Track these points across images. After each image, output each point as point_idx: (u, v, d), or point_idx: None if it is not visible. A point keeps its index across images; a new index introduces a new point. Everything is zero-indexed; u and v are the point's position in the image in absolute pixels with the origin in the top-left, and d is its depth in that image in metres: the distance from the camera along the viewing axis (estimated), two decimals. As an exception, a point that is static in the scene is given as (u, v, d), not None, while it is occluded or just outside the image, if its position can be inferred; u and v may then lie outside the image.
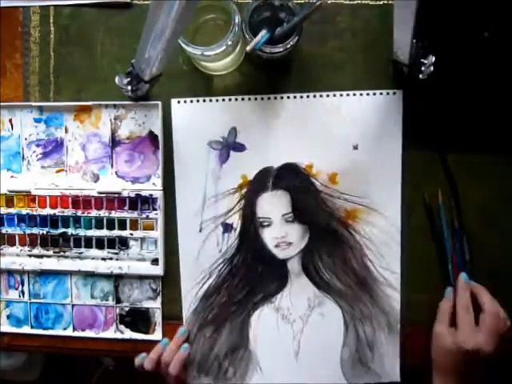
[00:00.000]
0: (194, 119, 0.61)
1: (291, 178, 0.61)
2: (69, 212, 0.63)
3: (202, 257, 0.62)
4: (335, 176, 0.61)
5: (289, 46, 0.52)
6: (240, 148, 0.61)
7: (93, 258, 0.63)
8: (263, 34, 0.50)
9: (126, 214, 0.62)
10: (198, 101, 0.61)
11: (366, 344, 0.61)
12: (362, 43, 0.60)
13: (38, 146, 0.63)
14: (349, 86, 0.60)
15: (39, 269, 0.64)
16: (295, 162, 0.61)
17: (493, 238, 0.60)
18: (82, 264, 0.63)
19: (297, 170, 0.61)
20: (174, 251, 0.62)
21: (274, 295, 0.62)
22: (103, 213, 0.62)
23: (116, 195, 0.62)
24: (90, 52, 0.62)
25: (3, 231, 0.64)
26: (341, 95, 0.60)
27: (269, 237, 0.61)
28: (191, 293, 0.63)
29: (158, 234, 0.62)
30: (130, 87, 0.55)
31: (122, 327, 0.64)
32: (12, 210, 0.63)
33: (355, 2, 0.60)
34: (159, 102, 0.60)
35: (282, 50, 0.52)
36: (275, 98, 0.60)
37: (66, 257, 0.64)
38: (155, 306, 0.63)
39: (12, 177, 0.64)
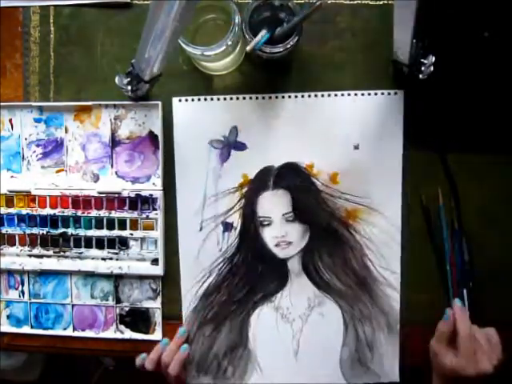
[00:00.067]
0: (195, 118, 0.61)
1: (292, 178, 0.61)
2: (69, 212, 0.63)
3: (202, 255, 0.62)
4: (336, 176, 0.61)
5: (289, 45, 0.52)
6: (241, 147, 0.61)
7: (93, 258, 0.63)
8: (263, 34, 0.50)
9: (126, 214, 0.62)
10: (199, 99, 0.61)
11: (365, 344, 0.61)
12: (362, 43, 0.60)
13: (37, 146, 0.63)
14: (349, 85, 0.60)
15: (39, 269, 0.64)
16: (296, 162, 0.61)
17: (493, 238, 0.60)
18: (81, 264, 0.63)
19: (297, 170, 0.61)
20: (174, 251, 0.62)
21: (274, 294, 0.62)
22: (103, 213, 0.62)
23: (116, 195, 0.62)
24: (90, 52, 0.62)
25: (3, 231, 0.64)
26: (342, 95, 0.60)
27: (269, 236, 0.61)
28: (191, 291, 0.63)
29: (158, 234, 0.62)
30: (130, 87, 0.55)
31: (122, 327, 0.64)
32: (12, 210, 0.63)
33: (355, 2, 0.60)
34: (159, 102, 0.60)
35: (282, 49, 0.52)
36: (276, 98, 0.61)
37: (66, 257, 0.64)
38: (155, 306, 0.63)
39: (12, 177, 0.64)
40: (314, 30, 0.59)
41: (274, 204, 0.61)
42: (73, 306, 0.64)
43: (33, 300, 0.65)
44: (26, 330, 0.65)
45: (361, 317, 0.61)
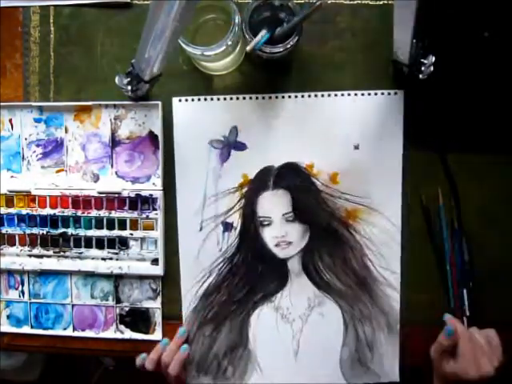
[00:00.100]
0: (195, 118, 0.61)
1: (292, 178, 0.61)
2: (69, 212, 0.63)
3: (202, 255, 0.62)
4: (336, 176, 0.61)
5: (289, 45, 0.52)
6: (241, 147, 0.61)
7: (93, 258, 0.63)
8: (263, 34, 0.50)
9: (126, 214, 0.62)
10: (199, 99, 0.61)
11: (365, 344, 0.61)
12: (362, 43, 0.60)
13: (38, 146, 0.63)
14: (349, 86, 0.60)
15: (39, 269, 0.64)
16: (296, 162, 0.61)
17: (493, 238, 0.60)
18: (81, 264, 0.63)
19: (297, 170, 0.61)
20: (174, 251, 0.62)
21: (274, 294, 0.62)
22: (103, 213, 0.62)
23: (116, 195, 0.62)
24: (90, 52, 0.62)
25: (3, 231, 0.64)
26: (342, 95, 0.60)
27: (269, 236, 0.61)
28: (191, 291, 0.63)
29: (157, 234, 0.62)
30: (130, 87, 0.55)
31: (122, 327, 0.64)
32: (12, 210, 0.63)
33: (355, 2, 0.60)
34: (159, 102, 0.60)
35: (282, 49, 0.52)
36: (276, 98, 0.61)
37: (66, 257, 0.64)
38: (155, 306, 0.63)
39: (12, 177, 0.64)
40: (314, 30, 0.59)
41: (273, 204, 0.61)
42: (73, 305, 0.64)
43: (33, 300, 0.65)
44: (26, 330, 0.65)
45: (361, 317, 0.61)
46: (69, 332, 0.64)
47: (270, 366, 0.62)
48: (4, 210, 0.63)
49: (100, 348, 0.65)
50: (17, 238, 0.64)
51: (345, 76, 0.60)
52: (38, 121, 0.63)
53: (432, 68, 0.51)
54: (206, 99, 0.61)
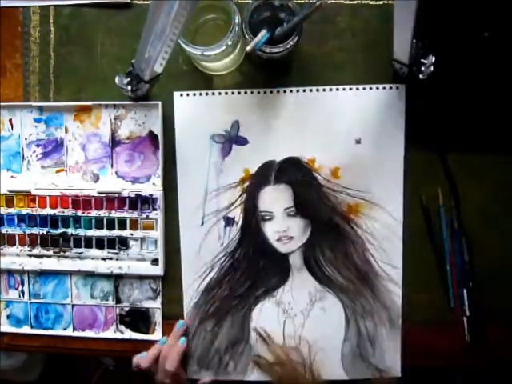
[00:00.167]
0: (197, 113, 0.61)
1: (293, 172, 0.61)
2: (69, 212, 0.63)
3: (204, 250, 0.62)
4: (337, 170, 0.61)
5: (289, 45, 0.52)
6: (242, 142, 0.61)
7: (93, 258, 0.63)
8: (263, 34, 0.50)
9: (126, 214, 0.62)
10: (200, 94, 0.61)
11: (367, 339, 0.61)
12: (362, 43, 0.60)
13: (38, 146, 0.63)
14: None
15: (39, 269, 0.64)
16: (297, 156, 0.61)
17: (493, 238, 0.60)
18: (81, 264, 0.63)
19: (299, 164, 0.61)
20: (175, 250, 0.62)
21: (276, 289, 0.62)
22: (103, 213, 0.62)
23: (116, 195, 0.62)
24: (90, 52, 0.62)
25: (3, 231, 0.64)
26: (343, 89, 0.60)
27: (270, 231, 0.61)
28: (192, 286, 0.62)
29: (157, 233, 0.62)
30: (130, 87, 0.55)
31: (121, 327, 0.64)
32: (12, 210, 0.63)
33: (355, 2, 0.60)
34: (159, 102, 0.60)
35: (281, 49, 0.52)
36: (278, 92, 0.60)
37: (66, 257, 0.64)
38: (155, 305, 0.63)
39: (12, 177, 0.64)
40: (314, 30, 0.59)
41: (275, 199, 0.61)
42: (73, 306, 0.64)
43: (33, 300, 0.65)
44: (25, 330, 0.65)
45: (362, 311, 0.61)
46: (69, 332, 0.64)
47: (271, 361, 0.62)
48: (4, 210, 0.63)
49: (100, 348, 0.65)
50: (17, 238, 0.64)
51: (345, 76, 0.60)
52: (37, 121, 0.63)
53: (432, 68, 0.51)
54: (207, 94, 0.61)
